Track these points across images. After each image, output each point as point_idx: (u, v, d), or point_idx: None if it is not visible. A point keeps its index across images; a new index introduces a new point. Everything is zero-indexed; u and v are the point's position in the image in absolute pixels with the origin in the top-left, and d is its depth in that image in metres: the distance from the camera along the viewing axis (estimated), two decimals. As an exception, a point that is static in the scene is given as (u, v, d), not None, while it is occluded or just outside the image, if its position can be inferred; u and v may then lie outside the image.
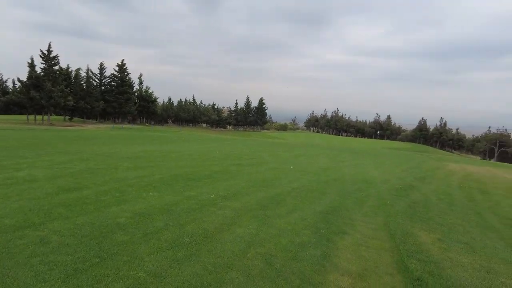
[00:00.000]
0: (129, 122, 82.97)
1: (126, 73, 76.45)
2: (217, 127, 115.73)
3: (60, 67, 63.18)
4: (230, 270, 4.66)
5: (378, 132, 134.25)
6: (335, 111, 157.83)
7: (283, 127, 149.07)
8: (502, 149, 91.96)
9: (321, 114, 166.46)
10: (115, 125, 65.18)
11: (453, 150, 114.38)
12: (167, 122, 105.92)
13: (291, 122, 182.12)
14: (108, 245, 5.10)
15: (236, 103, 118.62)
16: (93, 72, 73.72)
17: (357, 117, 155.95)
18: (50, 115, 59.34)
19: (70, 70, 69.94)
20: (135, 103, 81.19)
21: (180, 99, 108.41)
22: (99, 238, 5.34)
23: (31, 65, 54.17)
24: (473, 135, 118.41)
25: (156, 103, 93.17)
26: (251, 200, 8.87)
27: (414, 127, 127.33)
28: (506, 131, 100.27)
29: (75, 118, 72.25)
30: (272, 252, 5.40)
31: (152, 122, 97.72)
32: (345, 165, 21.70)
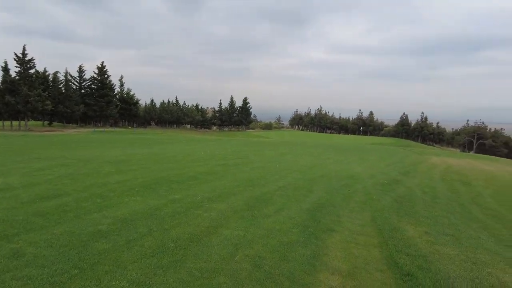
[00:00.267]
0: (111, 126, 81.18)
1: (106, 76, 74.86)
2: (201, 128, 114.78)
3: (37, 71, 61.27)
4: (218, 275, 4.50)
5: (361, 128, 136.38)
6: (318, 108, 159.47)
7: (268, 126, 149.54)
8: (480, 141, 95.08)
9: (305, 112, 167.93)
10: (96, 129, 63.66)
11: (434, 144, 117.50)
12: (150, 124, 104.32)
13: (276, 121, 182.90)
14: (89, 254, 4.85)
15: (220, 103, 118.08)
16: (72, 75, 71.95)
17: (340, 114, 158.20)
18: (28, 120, 57.34)
19: (47, 73, 67.90)
20: (117, 105, 79.63)
21: (163, 101, 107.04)
22: (78, 247, 5.07)
23: (5, 69, 52.24)
24: (452, 129, 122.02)
25: (138, 105, 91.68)
26: (238, 200, 8.72)
27: (396, 122, 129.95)
28: (483, 123, 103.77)
29: (54, 123, 70.12)
30: (261, 254, 5.27)
31: (135, 125, 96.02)
32: (330, 162, 21.83)
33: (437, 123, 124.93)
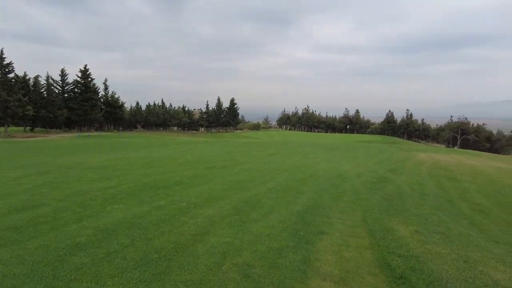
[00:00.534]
0: (96, 130, 79.46)
1: (90, 79, 73.17)
2: (189, 130, 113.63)
3: (16, 75, 59.45)
4: (204, 287, 4.25)
5: (348, 126, 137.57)
6: (305, 108, 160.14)
7: (256, 127, 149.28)
8: (463, 136, 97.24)
9: (293, 111, 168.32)
10: (81, 134, 62.17)
11: (420, 140, 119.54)
12: (136, 127, 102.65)
13: (263, 121, 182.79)
14: (65, 270, 4.52)
15: (207, 105, 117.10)
16: (54, 79, 70.00)
17: (327, 113, 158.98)
18: (8, 126, 55.52)
19: (27, 77, 65.80)
20: (101, 109, 78.01)
21: (149, 103, 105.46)
22: (54, 263, 4.73)
23: (-18, 74, 50.39)
24: (437, 125, 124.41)
25: (124, 108, 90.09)
26: (226, 205, 8.46)
27: (382, 119, 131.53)
28: (466, 119, 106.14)
29: (37, 129, 68.07)
30: (249, 262, 5.04)
31: (120, 128, 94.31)
32: (318, 161, 21.78)
33: (422, 119, 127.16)
